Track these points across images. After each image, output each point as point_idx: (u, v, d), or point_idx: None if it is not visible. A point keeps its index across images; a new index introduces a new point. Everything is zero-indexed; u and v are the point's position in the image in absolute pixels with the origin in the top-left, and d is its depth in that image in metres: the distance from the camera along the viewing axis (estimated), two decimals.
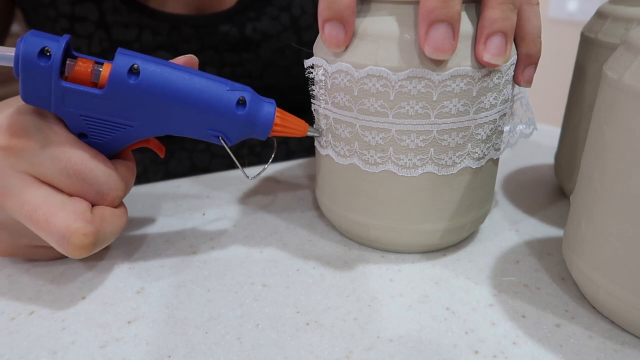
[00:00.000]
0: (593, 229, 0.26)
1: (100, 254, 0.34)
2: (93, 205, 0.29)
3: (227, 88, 0.29)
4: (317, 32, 0.29)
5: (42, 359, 0.26)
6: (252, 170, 0.46)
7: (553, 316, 0.28)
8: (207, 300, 0.30)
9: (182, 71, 0.28)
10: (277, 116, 0.31)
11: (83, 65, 0.27)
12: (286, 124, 0.31)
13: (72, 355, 0.26)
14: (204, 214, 0.39)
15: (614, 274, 0.26)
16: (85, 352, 0.26)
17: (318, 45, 0.31)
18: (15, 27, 0.56)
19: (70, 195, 0.28)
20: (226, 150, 0.53)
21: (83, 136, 0.29)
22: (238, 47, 0.50)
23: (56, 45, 0.26)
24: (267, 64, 0.52)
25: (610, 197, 0.25)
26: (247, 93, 0.29)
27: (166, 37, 0.48)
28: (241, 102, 0.29)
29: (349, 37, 0.28)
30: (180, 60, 0.31)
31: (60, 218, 0.26)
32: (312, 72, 0.32)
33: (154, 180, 0.45)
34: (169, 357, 0.26)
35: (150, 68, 0.27)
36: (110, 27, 0.47)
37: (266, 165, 0.34)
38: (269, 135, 0.31)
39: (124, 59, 0.27)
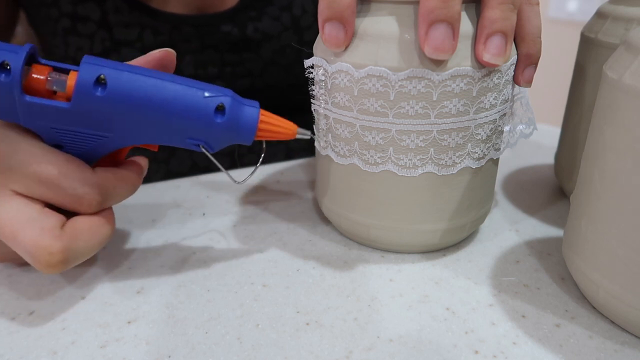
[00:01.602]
0: (593, 229, 0.26)
1: (100, 254, 0.34)
2: (71, 212, 0.28)
3: (205, 94, 0.27)
4: (318, 32, 0.29)
5: (42, 359, 0.26)
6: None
7: (553, 316, 0.28)
8: (207, 300, 0.30)
9: (154, 78, 0.26)
10: (261, 120, 0.29)
11: (37, 74, 0.25)
12: (271, 127, 0.29)
13: (72, 355, 0.26)
14: (204, 214, 0.39)
15: (614, 274, 0.26)
16: (85, 352, 0.26)
17: (318, 45, 0.31)
18: (17, 28, 0.56)
19: (46, 202, 0.27)
20: (226, 150, 0.54)
21: (59, 147, 0.28)
22: (239, 47, 0.50)
23: (15, 58, 0.24)
24: (268, 63, 0.52)
25: (610, 197, 0.25)
26: (226, 98, 0.27)
27: (167, 37, 0.48)
28: (220, 109, 0.27)
29: (349, 37, 0.28)
30: (155, 55, 0.29)
31: (27, 235, 0.25)
32: (312, 72, 0.32)
33: (155, 180, 0.45)
34: (169, 357, 0.26)
35: (119, 78, 0.26)
36: (112, 27, 0.47)
37: (253, 170, 0.32)
38: (255, 139, 0.29)
39: (90, 68, 0.25)
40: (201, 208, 0.40)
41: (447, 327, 0.27)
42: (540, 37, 0.30)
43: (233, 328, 0.27)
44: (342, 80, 0.29)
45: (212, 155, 0.29)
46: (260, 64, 0.51)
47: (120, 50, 0.48)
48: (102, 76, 0.25)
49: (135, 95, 0.26)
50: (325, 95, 0.31)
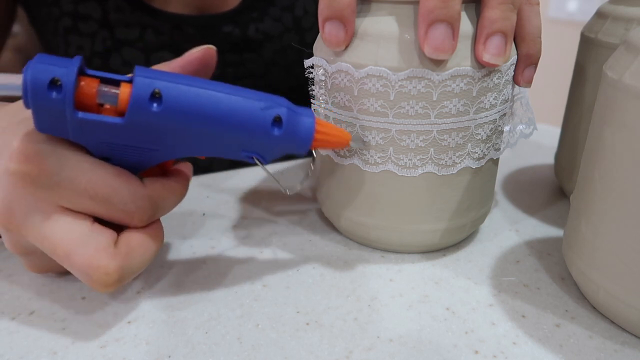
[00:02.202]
0: (593, 229, 0.26)
1: None
2: (121, 227, 0.27)
3: (261, 106, 0.26)
4: (319, 33, 0.29)
5: (42, 359, 0.26)
6: (244, 173, 0.46)
7: (553, 316, 0.28)
8: (207, 300, 0.30)
9: (209, 90, 0.25)
10: (317, 130, 0.27)
11: (87, 87, 0.24)
12: (327, 137, 0.28)
13: (72, 355, 0.26)
14: (204, 214, 0.39)
15: (614, 274, 0.26)
16: (85, 352, 0.26)
17: (318, 45, 0.31)
18: (15, 27, 0.56)
19: (96, 217, 0.26)
20: None
21: (107, 160, 0.27)
22: (240, 48, 0.50)
23: (66, 73, 0.23)
24: (269, 64, 0.52)
25: (610, 197, 0.25)
26: (282, 109, 0.26)
27: (168, 37, 0.48)
28: (277, 121, 0.26)
29: (349, 36, 0.28)
30: (197, 54, 0.28)
31: (81, 255, 0.25)
32: (312, 72, 0.32)
33: None
34: (169, 357, 0.26)
35: (174, 91, 0.24)
36: (113, 26, 0.47)
37: (303, 179, 0.31)
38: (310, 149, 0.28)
39: (144, 82, 0.24)
40: (201, 208, 0.40)
41: (447, 327, 0.27)
42: (540, 37, 0.30)
43: (233, 328, 0.27)
44: (342, 80, 0.29)
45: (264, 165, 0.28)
46: (262, 65, 0.51)
47: (121, 49, 0.48)
48: (157, 90, 0.24)
49: (191, 109, 0.25)
50: (325, 95, 0.31)
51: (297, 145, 0.27)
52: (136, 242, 0.27)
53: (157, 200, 0.28)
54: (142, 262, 0.27)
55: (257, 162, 0.27)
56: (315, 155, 0.30)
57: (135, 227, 0.27)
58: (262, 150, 0.27)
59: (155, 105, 0.24)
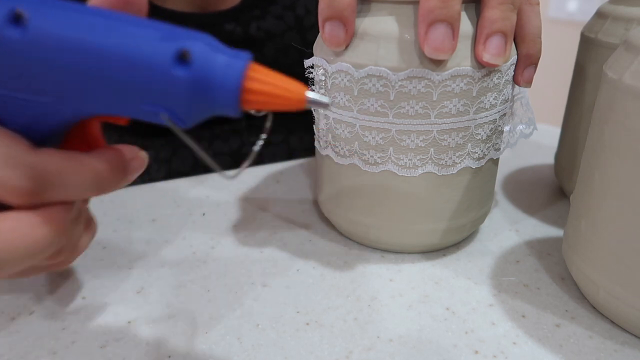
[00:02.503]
0: (593, 229, 0.26)
1: (100, 255, 0.34)
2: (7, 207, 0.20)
3: (160, 36, 0.19)
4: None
5: (42, 359, 0.26)
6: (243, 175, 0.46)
7: (553, 316, 0.28)
8: (207, 300, 0.30)
9: (92, 15, 0.19)
10: (249, 76, 0.19)
11: None
12: (267, 89, 0.19)
13: (72, 355, 0.26)
14: (204, 214, 0.39)
15: (614, 274, 0.26)
16: (85, 352, 0.26)
17: (318, 45, 0.31)
18: None
19: None
20: (230, 147, 0.54)
21: None
22: (241, 46, 0.50)
23: None
24: (271, 63, 0.52)
25: (610, 197, 0.25)
26: (195, 42, 0.19)
27: None
28: (183, 58, 0.19)
29: (349, 36, 0.28)
30: None
31: None
32: (312, 72, 0.32)
33: (157, 178, 0.45)
34: (169, 357, 0.26)
35: (42, 13, 0.19)
36: None
37: (247, 162, 0.22)
38: (244, 108, 0.20)
39: (4, 2, 0.18)
40: (201, 208, 0.40)
41: (447, 327, 0.27)
42: (540, 37, 0.30)
43: (233, 328, 0.27)
44: (342, 80, 0.29)
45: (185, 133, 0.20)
46: (264, 64, 0.52)
47: None
48: (18, 11, 0.18)
49: (63, 37, 0.19)
50: (325, 95, 0.31)
51: (218, 97, 0.19)
52: (7, 225, 0.20)
53: (49, 174, 0.20)
54: (13, 253, 0.20)
55: (168, 122, 0.20)
56: (269, 124, 0.21)
57: (19, 207, 0.21)
58: (169, 103, 0.19)
59: (16, 30, 0.18)
